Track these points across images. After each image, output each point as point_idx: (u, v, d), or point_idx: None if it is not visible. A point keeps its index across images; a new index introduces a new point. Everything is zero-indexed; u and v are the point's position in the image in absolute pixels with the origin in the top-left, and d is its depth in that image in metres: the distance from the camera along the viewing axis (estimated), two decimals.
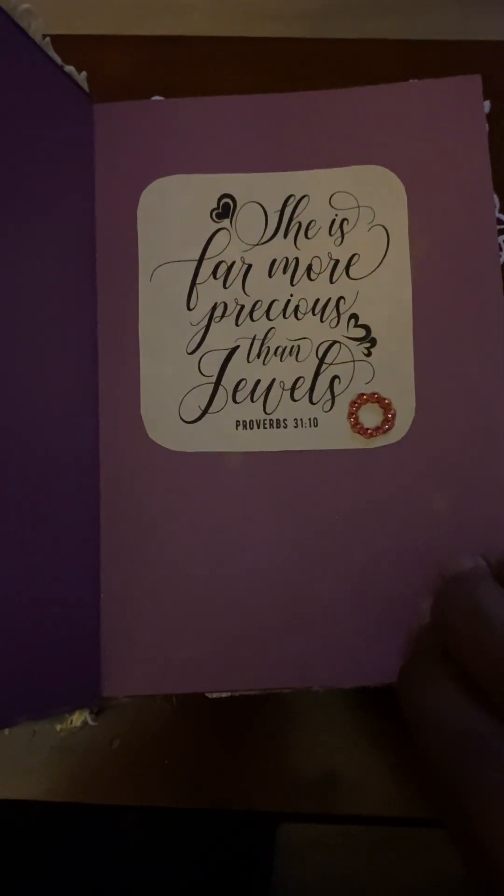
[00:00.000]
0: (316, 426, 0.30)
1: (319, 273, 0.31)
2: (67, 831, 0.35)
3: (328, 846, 0.35)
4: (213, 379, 0.30)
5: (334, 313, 0.30)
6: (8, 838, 0.34)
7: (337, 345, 0.30)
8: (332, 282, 0.30)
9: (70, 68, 0.30)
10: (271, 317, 0.30)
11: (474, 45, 0.34)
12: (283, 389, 0.30)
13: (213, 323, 0.30)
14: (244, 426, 0.30)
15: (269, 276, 0.31)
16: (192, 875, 0.35)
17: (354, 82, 0.31)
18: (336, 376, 0.30)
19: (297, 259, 0.31)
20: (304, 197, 0.31)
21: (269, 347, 0.30)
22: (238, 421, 0.30)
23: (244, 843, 0.35)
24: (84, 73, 0.31)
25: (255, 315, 0.30)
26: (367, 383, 0.30)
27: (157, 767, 0.30)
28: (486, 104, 0.31)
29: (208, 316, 0.30)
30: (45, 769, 0.30)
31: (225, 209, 0.31)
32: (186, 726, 0.30)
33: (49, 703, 0.25)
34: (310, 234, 0.31)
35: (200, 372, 0.30)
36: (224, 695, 0.28)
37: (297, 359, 0.30)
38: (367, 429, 0.29)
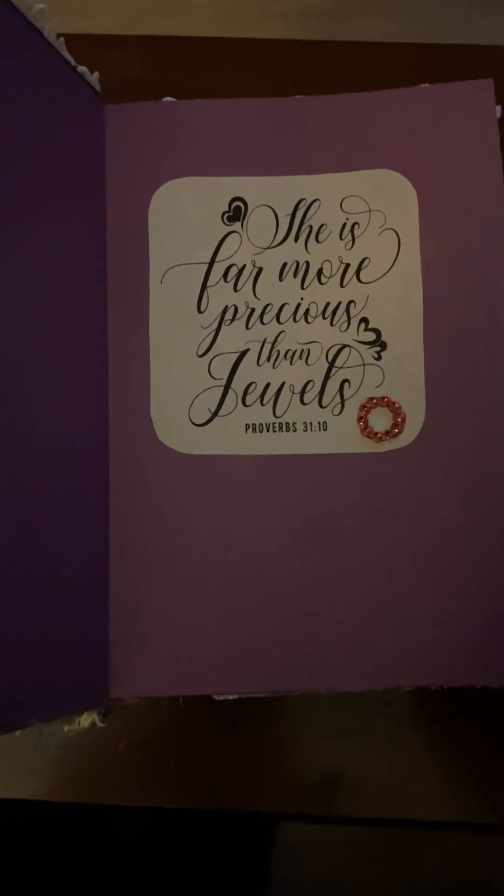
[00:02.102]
0: (325, 430, 0.30)
1: (330, 277, 0.30)
2: (71, 831, 0.35)
3: (328, 846, 0.35)
4: (223, 382, 0.30)
5: (344, 317, 0.30)
6: (12, 837, 0.34)
7: (347, 348, 0.30)
8: (342, 285, 0.30)
9: (83, 69, 0.30)
10: (281, 320, 0.30)
11: (486, 50, 0.34)
12: (293, 393, 0.30)
13: (223, 326, 0.30)
14: (253, 429, 0.30)
15: (280, 279, 0.31)
16: (192, 874, 0.35)
17: (365, 85, 0.31)
18: (346, 380, 0.30)
19: (307, 263, 0.31)
20: (315, 201, 0.31)
21: (279, 351, 0.30)
22: (247, 424, 0.30)
23: (244, 842, 0.35)
24: (96, 74, 0.31)
25: (266, 318, 0.30)
26: (376, 387, 0.30)
27: (163, 768, 0.30)
28: (498, 109, 0.31)
29: (219, 319, 0.30)
30: (52, 769, 0.30)
31: (236, 212, 0.31)
32: (193, 728, 0.30)
33: (59, 705, 0.25)
34: (321, 237, 0.31)
35: (210, 375, 0.30)
36: (231, 697, 0.28)
37: (307, 362, 0.30)
38: (377, 433, 0.29)
